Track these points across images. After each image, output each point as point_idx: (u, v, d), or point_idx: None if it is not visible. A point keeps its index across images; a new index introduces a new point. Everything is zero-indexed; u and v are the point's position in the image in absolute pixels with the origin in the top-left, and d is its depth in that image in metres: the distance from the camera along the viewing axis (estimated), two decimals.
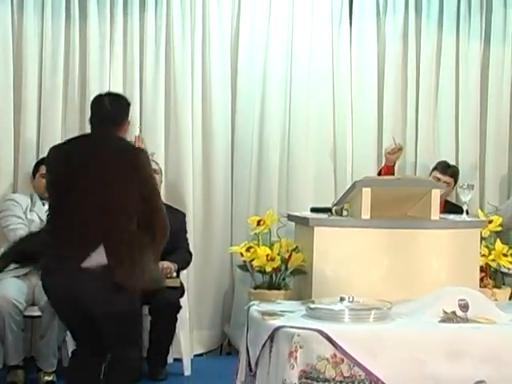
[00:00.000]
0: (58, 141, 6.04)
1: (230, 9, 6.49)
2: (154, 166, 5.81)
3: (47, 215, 4.64)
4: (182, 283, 5.75)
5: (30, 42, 6.16)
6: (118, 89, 6.19)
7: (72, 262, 4.03)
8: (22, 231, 5.53)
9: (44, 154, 5.94)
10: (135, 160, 4.26)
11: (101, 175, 4.15)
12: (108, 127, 4.38)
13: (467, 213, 4.83)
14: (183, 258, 5.87)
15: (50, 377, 5.47)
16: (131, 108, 4.73)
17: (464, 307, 3.78)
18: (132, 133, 5.93)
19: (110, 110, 4.43)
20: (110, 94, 4.73)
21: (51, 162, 4.46)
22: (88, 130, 5.36)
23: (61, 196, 4.24)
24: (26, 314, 5.54)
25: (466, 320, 3.75)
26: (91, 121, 4.45)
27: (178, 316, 5.64)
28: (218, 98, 6.47)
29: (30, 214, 5.79)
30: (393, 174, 6.10)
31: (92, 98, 5.94)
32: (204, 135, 6.47)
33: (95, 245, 4.04)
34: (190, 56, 6.38)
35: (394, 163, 6.21)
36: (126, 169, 4.20)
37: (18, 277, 5.59)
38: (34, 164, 5.96)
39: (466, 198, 4.88)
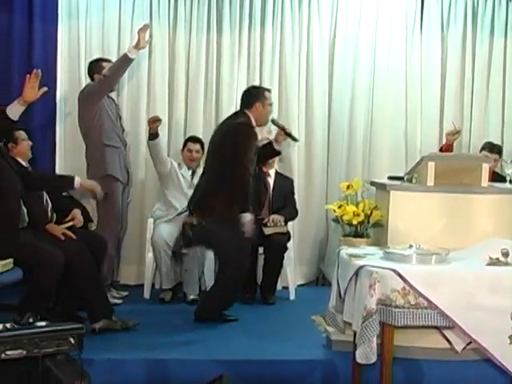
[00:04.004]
0: (201, 124, 6.26)
1: (329, 22, 6.43)
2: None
3: None
4: (288, 231, 5.78)
5: (180, 51, 6.26)
6: (242, 87, 6.23)
7: None
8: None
9: (190, 133, 6.15)
10: None
11: None
12: None
13: (510, 182, 4.74)
14: (290, 212, 5.91)
15: (194, 296, 5.59)
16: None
17: (505, 254, 3.69)
18: None
19: None
20: None
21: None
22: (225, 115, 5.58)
23: None
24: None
25: (507, 264, 3.66)
26: None
27: (285, 255, 5.68)
28: (318, 91, 6.43)
29: (181, 175, 5.88)
30: (451, 151, 6.03)
31: (224, 94, 6.10)
32: (307, 120, 6.45)
33: None
34: (298, 61, 6.37)
35: (453, 142, 6.13)
36: None
37: (167, 222, 5.76)
38: (183, 141, 6.09)
39: (509, 170, 4.78)
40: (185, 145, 5.96)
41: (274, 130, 5.34)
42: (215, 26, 6.26)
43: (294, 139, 5.47)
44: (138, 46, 5.29)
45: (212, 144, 5.18)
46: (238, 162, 4.86)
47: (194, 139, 5.96)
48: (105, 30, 6.18)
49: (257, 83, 6.29)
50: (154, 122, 5.66)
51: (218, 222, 4.82)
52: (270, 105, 5.19)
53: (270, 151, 5.33)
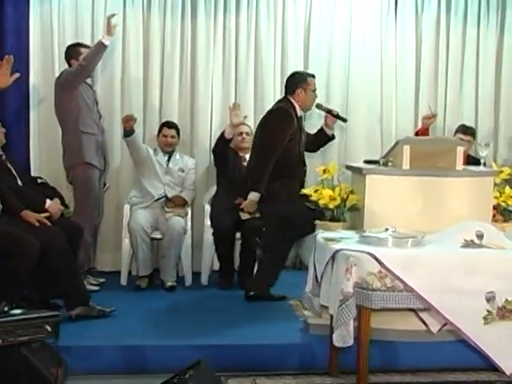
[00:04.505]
0: (176, 109, 6.21)
1: (304, 6, 6.40)
2: (246, 128, 5.94)
3: None
4: None
5: (155, 36, 6.19)
6: (218, 72, 6.26)
7: None
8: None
9: (165, 118, 6.11)
10: None
11: None
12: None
13: (484, 164, 4.75)
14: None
15: (171, 283, 5.58)
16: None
17: (480, 236, 3.73)
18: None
19: None
20: None
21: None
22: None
23: None
24: (152, 236, 5.67)
25: (481, 246, 3.70)
26: None
27: None
28: None
29: (156, 161, 5.85)
30: (427, 135, 6.04)
31: (200, 78, 6.09)
32: None
33: None
34: (273, 45, 6.33)
35: (429, 126, 6.15)
36: None
37: (144, 208, 5.74)
38: (158, 125, 6.04)
39: (483, 153, 4.81)
40: (160, 130, 5.93)
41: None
42: (190, 11, 6.20)
43: (343, 120, 5.54)
44: (109, 33, 5.27)
45: (255, 134, 5.39)
46: (266, 145, 5.03)
47: (169, 124, 5.92)
48: (78, 14, 6.09)
49: (232, 68, 6.28)
50: (128, 121, 5.62)
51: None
52: (313, 91, 5.25)
53: (323, 137, 5.43)
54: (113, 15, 5.38)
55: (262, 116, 5.42)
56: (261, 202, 5.15)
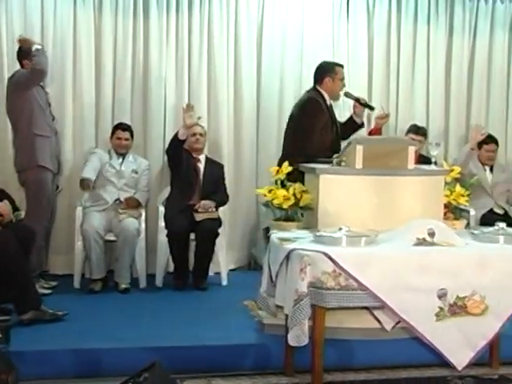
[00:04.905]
0: (129, 110, 6.14)
1: (256, 5, 6.41)
2: (199, 129, 5.91)
3: None
4: (219, 216, 5.75)
5: (107, 36, 6.12)
6: (171, 70, 6.23)
7: None
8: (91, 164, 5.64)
9: (118, 119, 6.04)
10: None
11: None
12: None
13: (435, 164, 4.81)
14: (221, 198, 5.89)
15: (125, 285, 5.53)
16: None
17: (431, 234, 3.76)
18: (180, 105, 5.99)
19: None
20: None
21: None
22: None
23: None
24: (106, 238, 5.59)
25: (432, 244, 3.73)
26: None
27: (217, 240, 5.65)
28: (247, 74, 6.41)
29: (109, 165, 5.78)
30: (380, 135, 6.09)
31: (153, 79, 6.04)
32: (236, 104, 6.42)
33: None
34: (226, 44, 6.34)
35: (381, 126, 6.20)
36: None
37: (98, 211, 5.68)
38: (110, 126, 5.97)
39: (434, 152, 4.86)
40: (114, 132, 5.87)
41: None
42: (142, 11, 6.16)
43: (371, 108, 5.58)
44: (32, 43, 5.29)
45: (287, 124, 5.36)
46: (304, 137, 4.98)
47: (123, 127, 5.86)
48: (27, 14, 5.99)
49: (185, 67, 6.26)
50: (86, 187, 5.57)
51: None
52: (341, 80, 5.27)
53: (352, 125, 5.45)
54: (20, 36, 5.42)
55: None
56: None
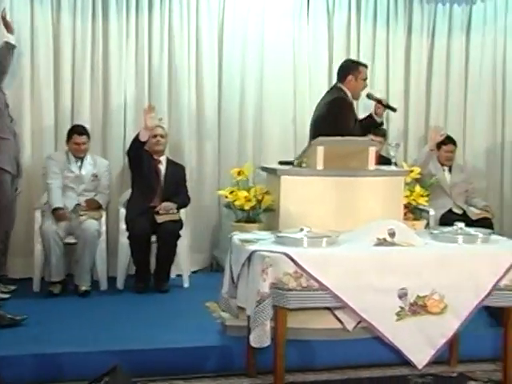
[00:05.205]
0: (88, 111, 6.07)
1: (217, 7, 6.39)
2: (160, 131, 5.87)
3: None
4: (181, 218, 5.72)
5: (65, 37, 6.04)
6: (131, 71, 6.17)
7: None
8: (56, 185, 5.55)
9: (77, 120, 5.97)
10: None
11: None
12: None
13: (395, 164, 4.86)
14: (182, 200, 5.85)
15: (86, 287, 5.46)
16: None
17: (392, 234, 3.77)
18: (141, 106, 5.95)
19: None
20: None
21: None
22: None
23: None
24: (66, 241, 5.51)
25: (393, 244, 3.75)
26: None
27: (178, 242, 5.62)
28: (208, 76, 6.38)
29: (67, 170, 5.70)
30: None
31: (112, 79, 5.96)
32: (198, 106, 6.38)
33: None
34: (187, 46, 6.30)
35: None
36: None
37: None
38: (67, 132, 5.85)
39: (394, 153, 4.92)
40: (70, 136, 5.75)
41: None
42: (101, 11, 6.09)
43: (393, 109, 5.53)
44: (10, 30, 5.19)
45: (311, 125, 5.26)
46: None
47: (79, 131, 5.74)
48: None
49: (146, 68, 6.22)
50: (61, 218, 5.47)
51: None
52: (364, 79, 5.22)
53: (370, 123, 5.40)
54: (3, 10, 5.24)
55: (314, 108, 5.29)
56: None
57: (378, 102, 5.38)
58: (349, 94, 5.14)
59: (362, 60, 6.58)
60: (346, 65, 5.29)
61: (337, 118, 4.96)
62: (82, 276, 5.48)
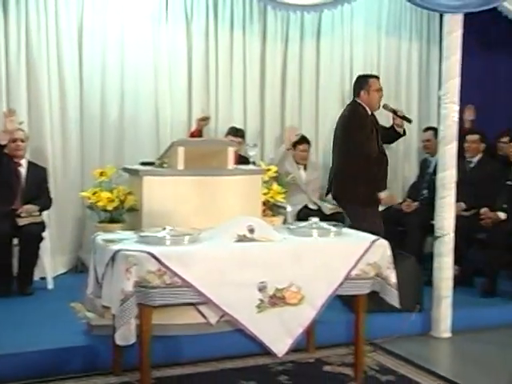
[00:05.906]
0: None
1: (76, 12, 6.26)
2: (21, 134, 5.69)
3: None
4: (43, 220, 5.59)
5: None
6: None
7: None
8: None
9: None
10: None
11: None
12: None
13: (253, 163, 4.96)
14: (44, 202, 5.71)
15: None
16: None
17: (251, 231, 3.84)
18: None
19: None
20: None
21: None
22: None
23: None
24: None
25: (252, 240, 3.81)
26: None
27: (41, 245, 5.49)
28: (69, 84, 6.28)
29: None
30: (201, 136, 6.19)
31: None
32: (61, 108, 6.26)
33: None
34: (46, 46, 6.13)
35: (202, 128, 6.30)
36: None
37: None
38: None
39: (252, 153, 5.02)
40: None
41: None
42: None
43: (409, 120, 5.58)
44: None
45: (334, 138, 5.41)
46: (359, 151, 5.07)
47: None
48: None
49: (3, 72, 6.00)
50: None
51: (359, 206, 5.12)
52: (377, 91, 5.30)
53: (393, 133, 5.56)
54: None
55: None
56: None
57: (394, 112, 5.55)
58: (366, 107, 5.30)
59: (221, 64, 6.72)
60: (357, 81, 5.47)
61: (356, 133, 5.14)
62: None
